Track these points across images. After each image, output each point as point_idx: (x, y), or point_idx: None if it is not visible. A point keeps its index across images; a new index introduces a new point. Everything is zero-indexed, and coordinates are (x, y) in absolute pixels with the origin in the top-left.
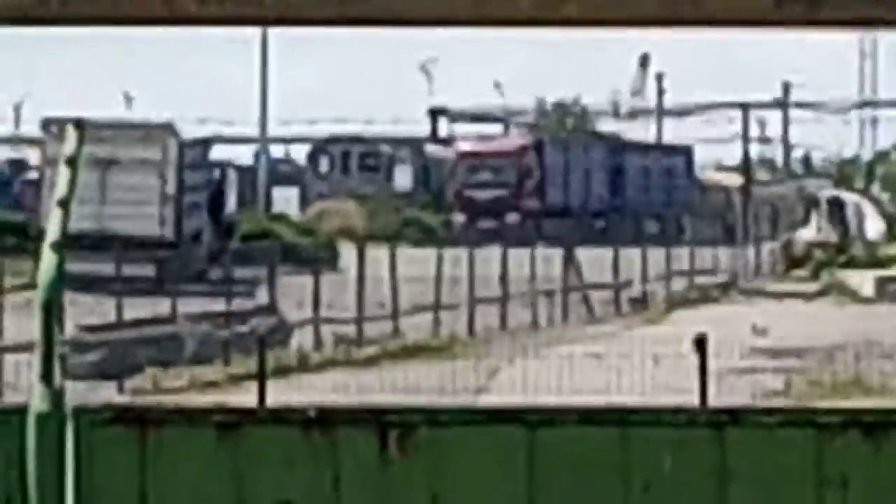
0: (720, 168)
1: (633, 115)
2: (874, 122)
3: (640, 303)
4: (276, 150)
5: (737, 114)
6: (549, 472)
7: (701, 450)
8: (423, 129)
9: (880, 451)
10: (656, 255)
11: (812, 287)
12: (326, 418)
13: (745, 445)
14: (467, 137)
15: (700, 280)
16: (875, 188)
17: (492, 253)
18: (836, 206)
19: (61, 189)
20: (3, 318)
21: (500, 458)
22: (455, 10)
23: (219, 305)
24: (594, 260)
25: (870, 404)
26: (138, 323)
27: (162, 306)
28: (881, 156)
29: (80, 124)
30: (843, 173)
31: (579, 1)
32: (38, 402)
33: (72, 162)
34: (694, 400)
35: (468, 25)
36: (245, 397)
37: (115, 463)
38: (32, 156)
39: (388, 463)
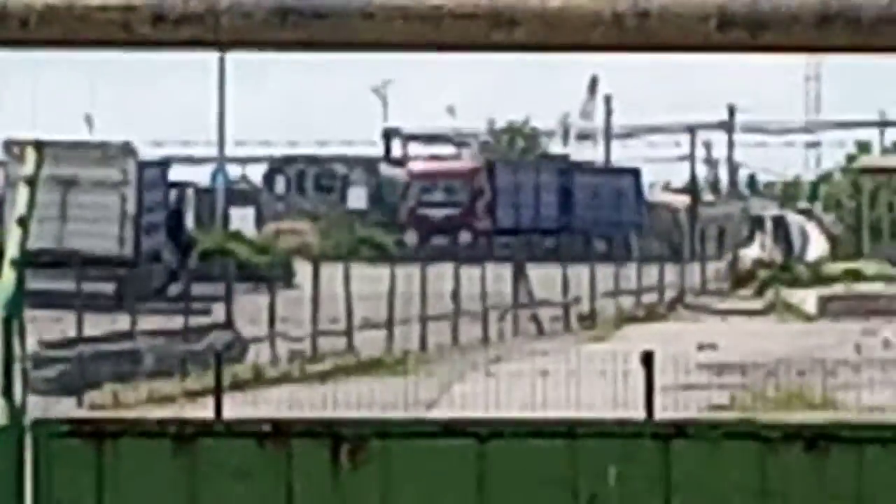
0: (668, 189)
1: (583, 136)
2: (818, 144)
3: (589, 320)
4: (233, 171)
5: (684, 136)
6: (499, 483)
7: (647, 461)
8: (377, 150)
9: (822, 464)
10: (605, 272)
11: (756, 304)
12: (280, 431)
13: (690, 457)
14: (420, 158)
15: (647, 298)
16: (818, 208)
17: (444, 270)
18: (781, 226)
19: (20, 208)
20: None
21: (451, 469)
22: (410, 35)
23: (177, 322)
24: (544, 278)
25: (813, 418)
26: (97, 339)
27: (121, 323)
28: (824, 177)
29: (39, 145)
30: (787, 194)
31: (529, 25)
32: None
33: (31, 182)
34: (641, 414)
35: (422, 50)
36: (202, 412)
37: (73, 475)
38: None
39: (340, 474)
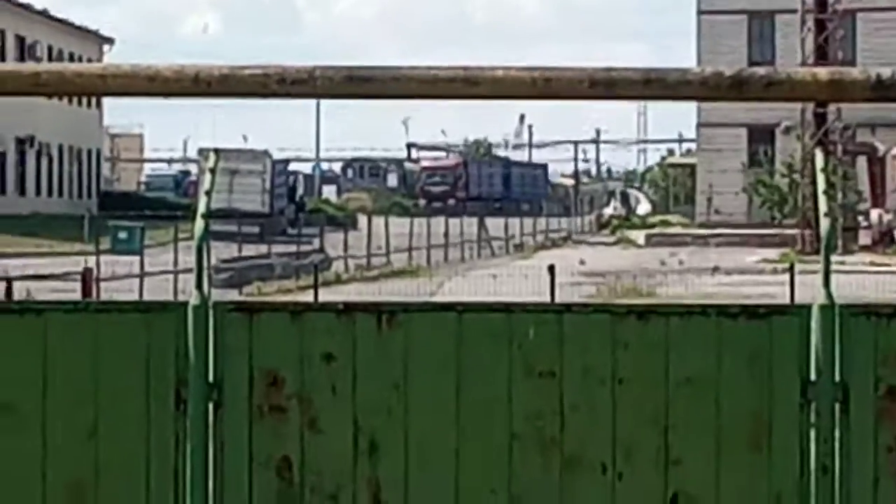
0: (563, 175)
1: (516, 146)
2: (645, 150)
3: (519, 247)
4: (324, 165)
5: (571, 145)
6: (469, 338)
7: (550, 325)
8: (403, 154)
9: (646, 328)
10: (528, 222)
11: (611, 239)
12: (349, 308)
13: (574, 323)
14: (426, 159)
15: (551, 235)
16: (645, 187)
17: (440, 221)
18: (624, 196)
19: (206, 185)
20: (178, 253)
21: (444, 329)
22: (419, 91)
23: (293, 248)
24: (494, 225)
25: (641, 301)
26: (250, 258)
27: (262, 249)
28: (648, 169)
29: (217, 151)
30: (628, 178)
31: (485, 85)
32: (193, 299)
33: (212, 171)
34: (547, 299)
35: (425, 98)
36: (307, 297)
37: (236, 334)
38: (193, 168)
39: (382, 334)
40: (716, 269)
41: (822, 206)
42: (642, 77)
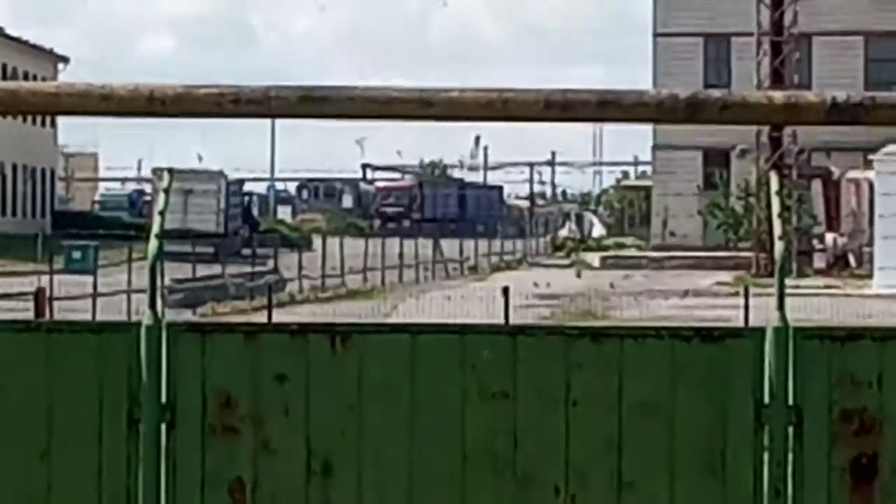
0: (517, 197)
1: (471, 168)
2: (600, 172)
3: (474, 269)
4: (279, 185)
5: (527, 168)
6: (423, 359)
7: (504, 347)
8: (358, 174)
9: (600, 348)
10: (482, 244)
11: (566, 261)
12: (303, 329)
13: (527, 345)
14: (381, 180)
15: (506, 258)
16: (601, 209)
17: (395, 242)
18: (579, 218)
19: (160, 205)
20: (132, 273)
21: (397, 351)
22: (375, 112)
23: (247, 269)
24: (449, 246)
25: (595, 323)
26: (203, 278)
27: (216, 269)
28: (603, 191)
29: (171, 171)
30: (583, 200)
31: (440, 107)
32: (146, 319)
33: (166, 190)
34: (502, 321)
35: (382, 119)
36: (261, 318)
37: (188, 353)
38: (148, 188)
39: (336, 355)
40: (686, 293)
41: (777, 229)
42: (598, 99)
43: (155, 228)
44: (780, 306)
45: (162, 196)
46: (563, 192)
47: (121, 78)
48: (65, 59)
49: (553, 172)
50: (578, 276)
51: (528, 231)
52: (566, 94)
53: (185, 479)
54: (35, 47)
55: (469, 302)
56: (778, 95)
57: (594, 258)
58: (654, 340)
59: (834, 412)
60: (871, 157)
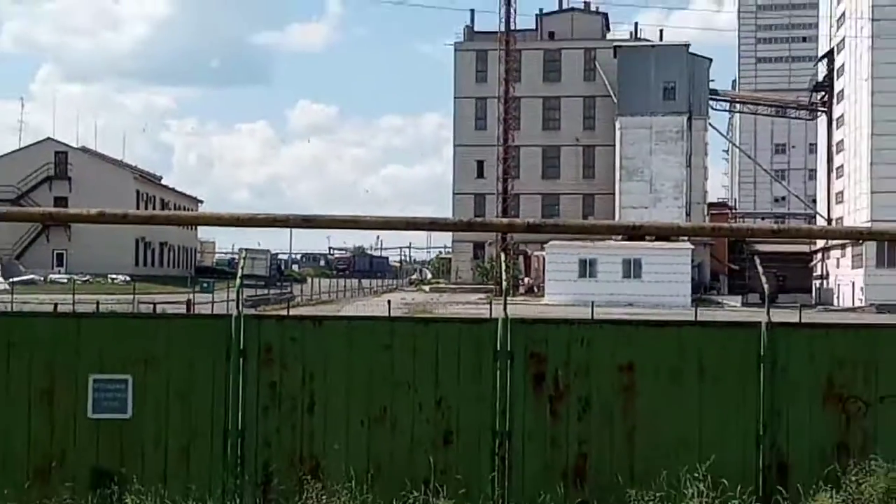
0: (395, 262)
1: (375, 248)
2: (430, 250)
3: (375, 293)
4: (295, 256)
5: (398, 249)
6: (357, 339)
7: (381, 333)
8: (326, 250)
9: (426, 328)
10: (379, 282)
11: (415, 289)
12: (302, 317)
13: (403, 330)
14: (337, 250)
15: (389, 287)
16: (430, 267)
17: (343, 280)
18: (421, 271)
19: (242, 264)
20: (229, 293)
21: (342, 332)
22: (341, 226)
23: (277, 291)
24: (366, 283)
25: (427, 316)
26: (260, 295)
27: (264, 291)
28: (433, 259)
29: (246, 250)
30: (423, 263)
31: (364, 223)
32: (235, 313)
33: (244, 258)
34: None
35: (343, 228)
36: (284, 312)
37: (251, 328)
38: (236, 257)
39: (316, 328)
40: (469, 303)
41: (504, 275)
42: (467, 221)
43: (239, 273)
44: (504, 308)
45: (242, 261)
46: (414, 259)
47: None
48: (200, 201)
49: (410, 251)
50: (421, 293)
51: (400, 277)
52: (436, 222)
53: (251, 382)
54: (182, 194)
55: (372, 306)
56: (518, 222)
57: (427, 287)
58: (445, 324)
59: (526, 354)
60: (545, 246)
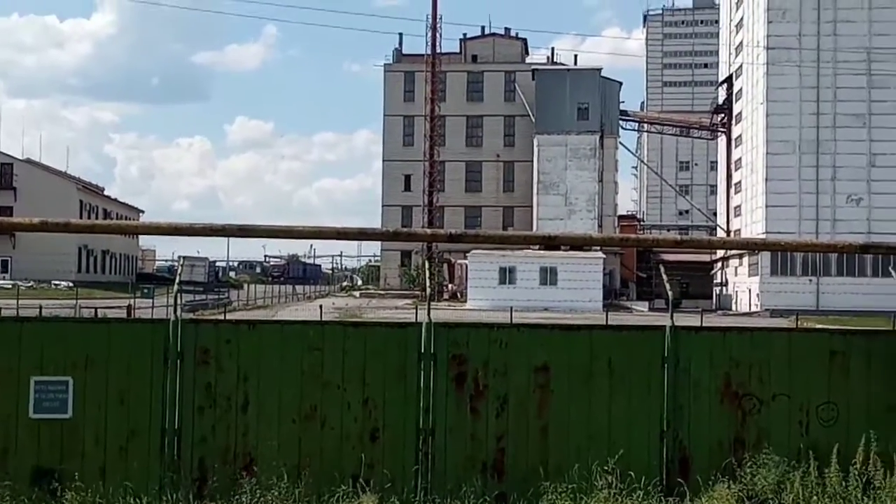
0: (327, 269)
1: (308, 256)
2: (360, 258)
3: (308, 298)
4: (232, 263)
5: (330, 258)
6: (290, 342)
7: (319, 329)
8: (262, 258)
9: (356, 331)
10: (312, 288)
11: (345, 294)
12: (237, 321)
13: (334, 331)
14: (273, 258)
15: (321, 293)
16: (360, 273)
17: (278, 287)
18: (352, 278)
19: (180, 270)
20: (168, 298)
21: (275, 335)
22: (278, 235)
23: (214, 296)
24: (300, 289)
25: (363, 320)
26: (198, 300)
27: (202, 296)
28: (363, 266)
29: (184, 257)
30: (354, 271)
31: (299, 233)
32: (173, 318)
33: (181, 265)
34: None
35: (278, 238)
36: (220, 317)
37: (188, 331)
38: (175, 264)
39: (251, 331)
40: (397, 308)
41: (428, 282)
42: (393, 231)
43: (177, 279)
44: (428, 313)
45: (181, 268)
46: (345, 267)
47: None
48: (142, 211)
49: (342, 259)
50: (350, 298)
51: (332, 283)
52: (364, 232)
53: (187, 383)
54: (125, 204)
55: (305, 311)
56: (441, 232)
57: (358, 293)
58: (386, 328)
59: (448, 356)
60: (467, 254)
